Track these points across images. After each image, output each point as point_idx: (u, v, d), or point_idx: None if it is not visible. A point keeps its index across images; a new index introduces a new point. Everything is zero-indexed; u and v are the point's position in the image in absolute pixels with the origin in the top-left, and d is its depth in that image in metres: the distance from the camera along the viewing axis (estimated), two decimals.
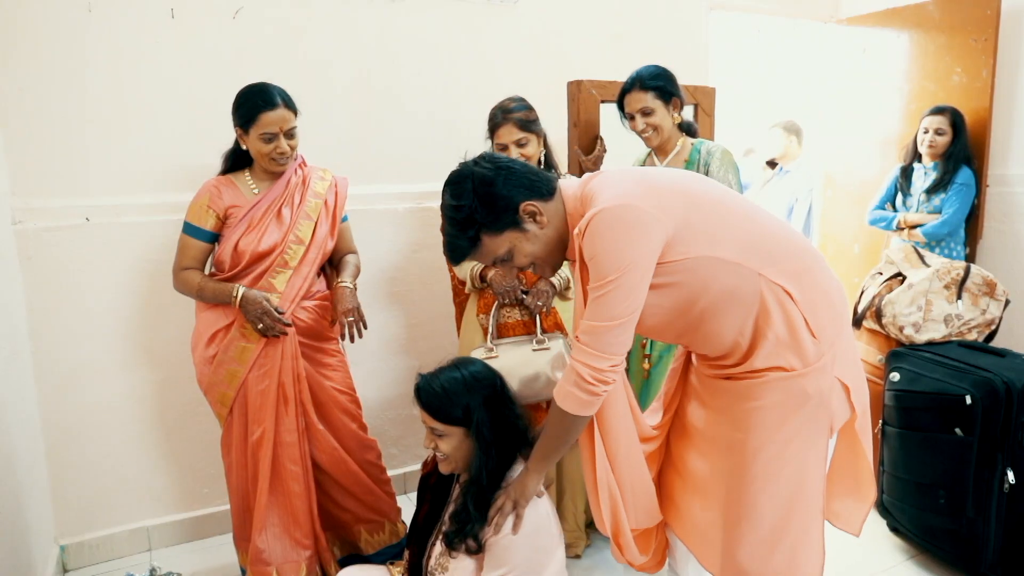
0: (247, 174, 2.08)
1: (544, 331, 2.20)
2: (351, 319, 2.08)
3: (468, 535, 1.52)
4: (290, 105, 1.99)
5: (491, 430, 1.55)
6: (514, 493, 1.52)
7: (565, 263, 1.88)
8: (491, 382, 1.61)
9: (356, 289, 2.15)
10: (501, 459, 1.57)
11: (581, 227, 1.35)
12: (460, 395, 1.55)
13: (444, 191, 1.45)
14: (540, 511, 1.54)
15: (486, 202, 1.40)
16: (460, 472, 1.62)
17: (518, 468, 1.59)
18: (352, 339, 2.10)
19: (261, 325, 1.97)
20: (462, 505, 1.56)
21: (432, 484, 1.73)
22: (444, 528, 1.61)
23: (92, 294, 2.35)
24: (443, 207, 1.45)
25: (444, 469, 1.62)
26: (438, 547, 1.63)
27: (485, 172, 1.42)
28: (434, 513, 1.71)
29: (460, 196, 1.41)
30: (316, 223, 2.09)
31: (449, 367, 1.62)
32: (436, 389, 1.57)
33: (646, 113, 2.21)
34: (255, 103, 1.95)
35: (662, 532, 1.69)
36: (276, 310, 1.98)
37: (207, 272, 2.10)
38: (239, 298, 1.97)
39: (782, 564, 1.43)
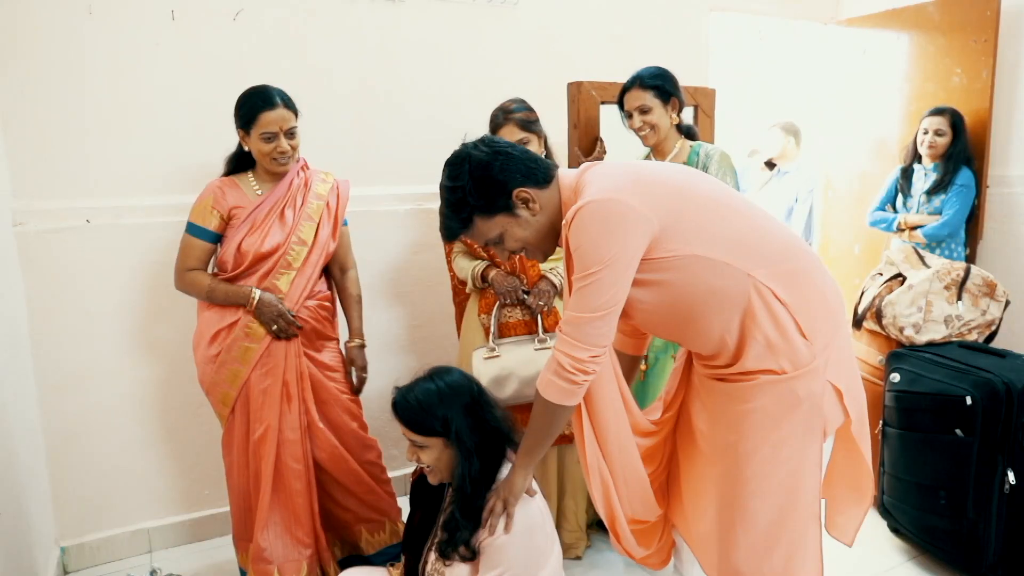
0: (250, 176, 2.09)
1: (545, 330, 2.20)
2: (364, 376, 2.26)
3: (459, 543, 1.51)
4: (290, 105, 2.01)
5: (471, 437, 1.55)
6: (503, 492, 1.52)
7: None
8: (467, 389, 1.60)
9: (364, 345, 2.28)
10: (485, 465, 1.56)
11: (567, 219, 1.36)
12: (436, 406, 1.54)
13: (443, 171, 1.47)
14: (533, 510, 1.54)
15: (480, 185, 1.41)
16: (447, 481, 1.62)
17: (507, 469, 1.58)
18: (359, 392, 2.26)
19: (275, 327, 2.00)
20: (451, 513, 1.56)
21: (425, 489, 1.72)
22: (437, 537, 1.61)
23: (92, 295, 2.36)
24: (440, 187, 1.47)
25: (432, 480, 1.62)
26: (433, 554, 1.62)
27: (482, 155, 1.43)
28: (428, 518, 1.70)
29: (456, 178, 1.43)
30: (318, 225, 2.10)
31: (424, 378, 1.61)
32: (412, 402, 1.56)
33: (644, 111, 2.23)
34: (255, 103, 1.97)
35: (669, 530, 1.69)
36: (289, 313, 2.01)
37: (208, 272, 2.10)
38: (256, 301, 1.99)
39: (778, 568, 1.43)
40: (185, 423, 2.53)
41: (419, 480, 1.74)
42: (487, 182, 1.41)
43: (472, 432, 1.55)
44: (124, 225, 2.37)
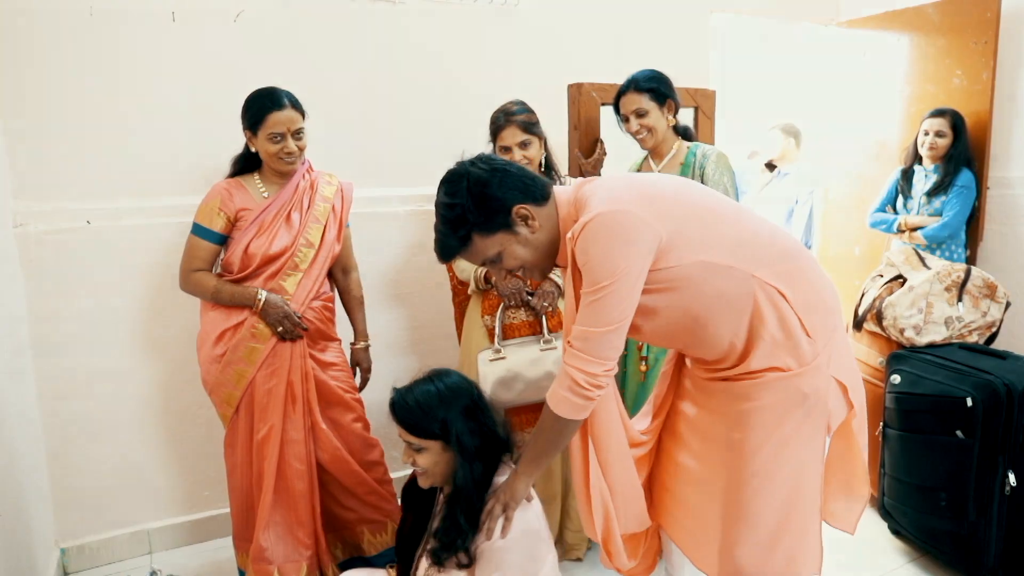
0: (256, 177, 2.09)
1: (550, 331, 2.21)
2: (368, 375, 2.35)
3: (459, 549, 1.49)
4: (297, 107, 2.02)
5: (472, 441, 1.53)
6: (504, 496, 1.51)
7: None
8: (467, 392, 1.58)
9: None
10: (485, 468, 1.55)
11: (574, 232, 1.35)
12: (436, 409, 1.53)
13: (439, 189, 1.46)
14: (530, 516, 1.53)
15: (479, 202, 1.40)
16: (439, 485, 1.60)
17: (503, 475, 1.57)
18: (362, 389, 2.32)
19: (281, 328, 2.01)
20: (450, 519, 1.53)
21: (416, 494, 1.69)
22: (429, 545, 1.59)
23: (93, 297, 2.35)
24: (436, 204, 1.46)
25: (424, 483, 1.59)
26: (425, 560, 1.59)
27: (481, 173, 1.42)
28: (419, 523, 1.68)
29: (454, 195, 1.42)
30: (325, 227, 2.11)
31: (423, 380, 1.59)
32: (411, 404, 1.54)
33: (640, 114, 2.23)
34: (263, 104, 1.98)
35: (653, 536, 1.69)
36: (295, 314, 2.01)
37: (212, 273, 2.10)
38: (262, 302, 1.99)
39: (781, 564, 1.44)
40: (185, 424, 2.53)
41: (410, 484, 1.72)
42: (486, 199, 1.40)
43: (473, 436, 1.54)
44: (124, 226, 2.37)
